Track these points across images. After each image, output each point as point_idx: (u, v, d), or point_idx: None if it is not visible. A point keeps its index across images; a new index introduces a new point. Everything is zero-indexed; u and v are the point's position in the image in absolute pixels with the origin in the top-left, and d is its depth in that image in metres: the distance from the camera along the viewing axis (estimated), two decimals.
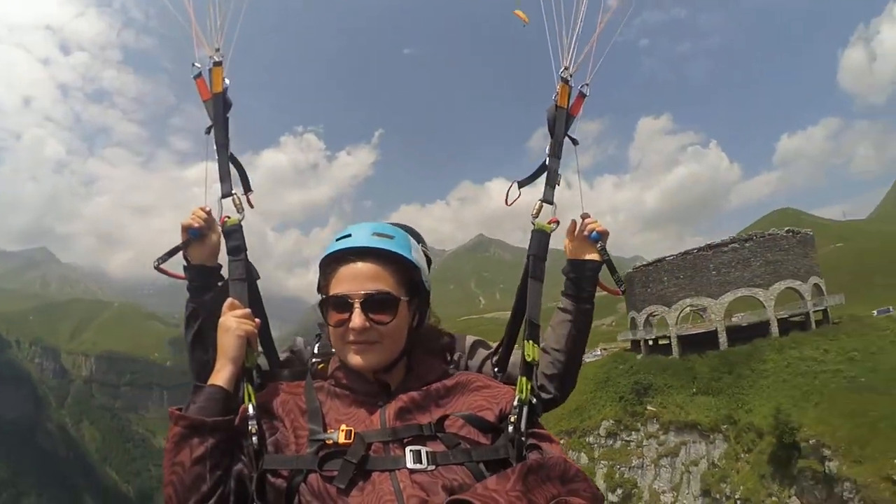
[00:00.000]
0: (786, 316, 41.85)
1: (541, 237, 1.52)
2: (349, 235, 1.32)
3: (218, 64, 1.62)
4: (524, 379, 1.35)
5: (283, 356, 1.61)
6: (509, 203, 1.59)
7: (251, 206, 1.61)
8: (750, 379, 37.65)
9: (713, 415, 37.66)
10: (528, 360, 1.38)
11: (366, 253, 1.29)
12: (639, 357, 46.79)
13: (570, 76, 1.62)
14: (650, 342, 47.05)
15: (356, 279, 1.27)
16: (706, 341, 42.28)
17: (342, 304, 1.26)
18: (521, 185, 1.60)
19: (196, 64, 1.62)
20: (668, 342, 45.06)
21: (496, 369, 1.59)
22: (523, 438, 1.25)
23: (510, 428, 1.26)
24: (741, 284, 42.27)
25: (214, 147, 1.60)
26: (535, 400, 1.33)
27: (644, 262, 47.28)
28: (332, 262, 1.32)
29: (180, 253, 1.57)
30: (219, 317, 1.36)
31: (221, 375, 1.25)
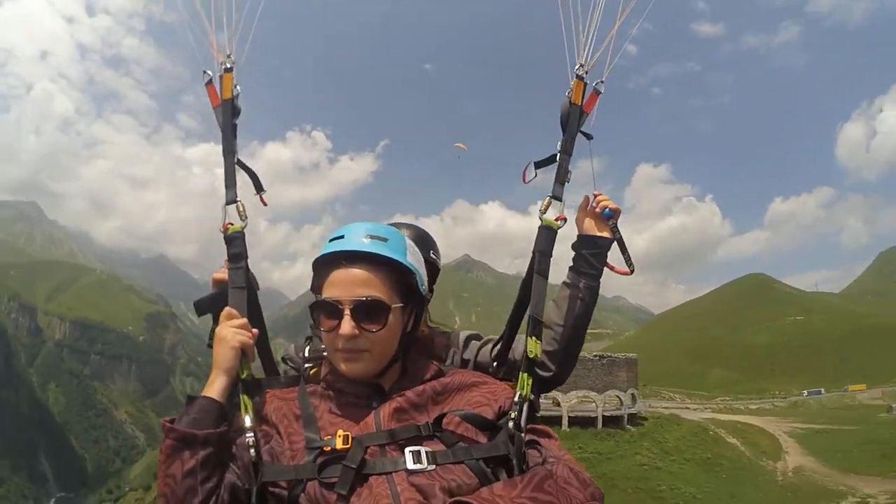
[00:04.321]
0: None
1: (548, 233, 1.51)
2: (342, 237, 1.29)
3: (228, 70, 1.61)
4: (525, 375, 1.33)
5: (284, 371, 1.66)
6: (526, 181, 1.59)
7: (265, 204, 1.63)
8: None
9: None
10: (531, 356, 1.36)
11: (358, 257, 1.24)
12: None
13: (586, 73, 1.59)
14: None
15: (347, 285, 1.23)
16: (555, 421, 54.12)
17: (332, 309, 1.23)
18: (538, 165, 1.60)
19: (207, 71, 1.62)
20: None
21: (495, 364, 1.59)
22: (523, 435, 1.23)
23: (510, 424, 1.23)
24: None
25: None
26: (533, 397, 1.32)
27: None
28: (324, 265, 1.29)
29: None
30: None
31: (215, 387, 1.23)
